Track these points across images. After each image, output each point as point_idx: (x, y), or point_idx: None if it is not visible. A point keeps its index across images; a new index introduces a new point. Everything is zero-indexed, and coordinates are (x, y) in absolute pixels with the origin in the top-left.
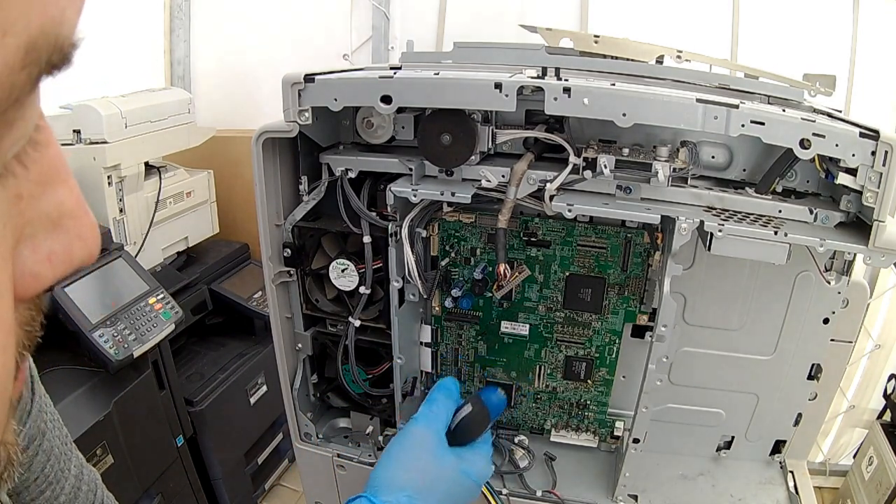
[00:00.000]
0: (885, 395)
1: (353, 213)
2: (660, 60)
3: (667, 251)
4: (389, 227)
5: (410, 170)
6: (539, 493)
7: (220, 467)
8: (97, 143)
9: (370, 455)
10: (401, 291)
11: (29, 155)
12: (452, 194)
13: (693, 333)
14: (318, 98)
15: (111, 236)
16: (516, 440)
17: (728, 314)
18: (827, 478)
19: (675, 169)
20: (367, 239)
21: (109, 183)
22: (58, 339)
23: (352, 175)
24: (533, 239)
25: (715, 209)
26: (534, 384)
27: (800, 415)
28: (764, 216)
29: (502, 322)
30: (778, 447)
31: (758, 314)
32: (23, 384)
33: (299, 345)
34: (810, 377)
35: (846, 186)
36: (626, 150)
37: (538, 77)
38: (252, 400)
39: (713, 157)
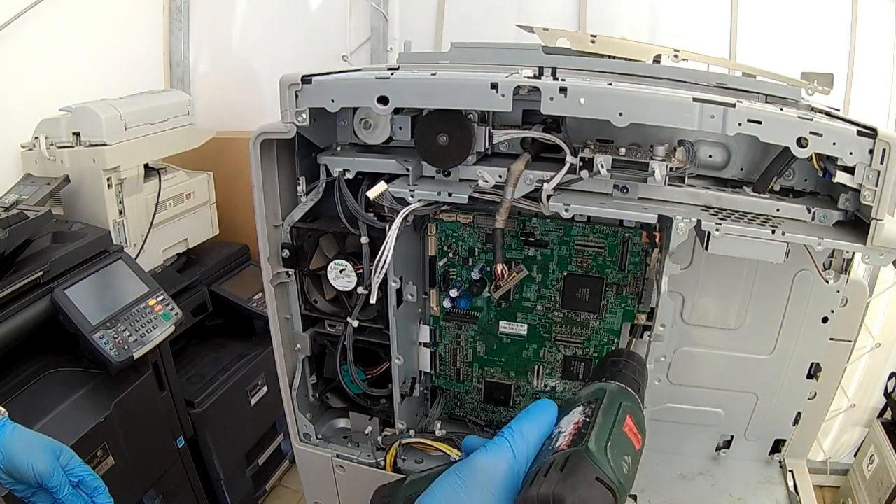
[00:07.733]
0: (886, 394)
1: (351, 214)
2: (657, 60)
3: (664, 250)
4: (387, 228)
5: (408, 170)
6: None
7: (221, 468)
8: (97, 145)
9: (369, 455)
10: (399, 292)
11: None
12: (449, 195)
13: (691, 333)
14: (315, 99)
15: (111, 238)
16: None
17: (726, 313)
18: (828, 476)
19: (672, 168)
20: (364, 239)
21: (109, 185)
22: (58, 341)
23: (349, 176)
24: (531, 239)
25: (712, 208)
26: (532, 384)
27: (799, 414)
28: (762, 215)
29: (501, 322)
30: (777, 446)
31: (756, 313)
32: None
33: (298, 345)
34: (809, 376)
35: (844, 185)
36: (623, 150)
37: (535, 77)
38: (253, 401)
39: (710, 156)
